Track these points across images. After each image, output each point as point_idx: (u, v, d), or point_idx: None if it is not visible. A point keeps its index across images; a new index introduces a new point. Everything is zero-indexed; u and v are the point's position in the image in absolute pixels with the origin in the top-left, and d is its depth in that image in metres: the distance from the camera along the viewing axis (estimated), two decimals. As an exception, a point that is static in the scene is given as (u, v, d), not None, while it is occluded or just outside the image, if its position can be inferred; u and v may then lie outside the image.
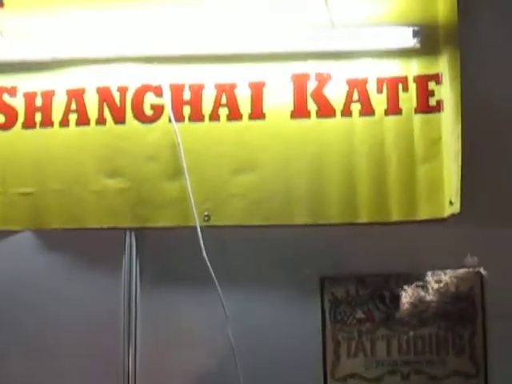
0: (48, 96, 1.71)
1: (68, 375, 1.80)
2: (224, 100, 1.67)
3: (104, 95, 1.70)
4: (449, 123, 1.58)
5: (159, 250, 1.78)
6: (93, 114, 1.69)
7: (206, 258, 1.58)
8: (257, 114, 1.66)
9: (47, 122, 1.71)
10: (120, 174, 1.69)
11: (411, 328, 1.62)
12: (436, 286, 1.63)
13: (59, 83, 1.73)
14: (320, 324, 1.67)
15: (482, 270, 1.66)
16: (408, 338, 1.64)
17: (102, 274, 1.80)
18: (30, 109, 1.72)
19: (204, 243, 1.59)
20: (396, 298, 1.63)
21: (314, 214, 1.61)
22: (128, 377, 1.75)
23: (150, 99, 1.69)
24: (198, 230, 1.58)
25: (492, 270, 1.67)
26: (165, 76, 1.71)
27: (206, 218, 1.62)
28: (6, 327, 1.81)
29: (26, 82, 1.74)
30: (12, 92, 1.73)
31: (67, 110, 1.70)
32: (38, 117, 1.71)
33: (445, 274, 1.66)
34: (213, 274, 1.59)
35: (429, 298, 1.64)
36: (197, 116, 1.68)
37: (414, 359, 1.61)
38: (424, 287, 1.65)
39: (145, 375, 1.77)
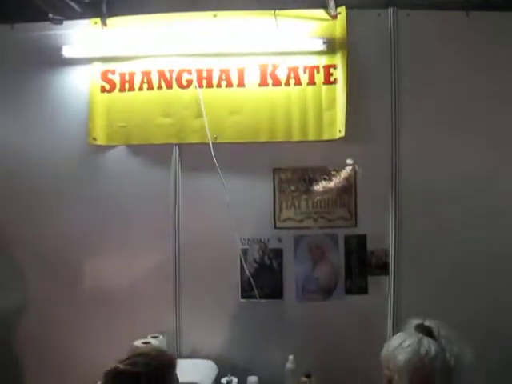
0: (131, 75, 2.56)
1: (135, 232, 2.61)
2: (224, 77, 2.52)
3: (161, 74, 2.54)
4: (340, 90, 2.46)
5: (191, 156, 2.60)
6: (155, 83, 2.53)
7: (215, 160, 2.49)
8: (240, 84, 2.51)
9: (131, 88, 2.57)
10: (170, 116, 2.55)
11: (319, 195, 2.55)
12: (333, 174, 2.54)
13: (138, 67, 2.56)
14: (272, 193, 2.57)
15: (356, 167, 2.54)
16: (317, 200, 2.55)
17: (160, 170, 2.60)
18: (123, 81, 2.57)
19: (214, 152, 2.51)
20: (311, 180, 2.55)
21: (270, 136, 2.51)
22: (175, 228, 2.58)
23: (185, 76, 2.55)
24: (211, 145, 2.49)
25: (361, 166, 2.55)
26: (192, 64, 2.54)
27: (215, 138, 2.52)
28: (104, 202, 2.63)
29: (120, 67, 2.57)
30: (113, 72, 2.58)
31: (142, 82, 2.55)
32: (126, 86, 2.57)
33: (337, 168, 2.54)
34: (218, 168, 2.49)
35: (329, 180, 2.55)
36: (209, 85, 2.53)
37: (319, 210, 2.55)
38: (327, 174, 2.54)
39: (184, 226, 2.60)
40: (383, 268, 2.56)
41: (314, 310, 2.56)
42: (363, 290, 2.57)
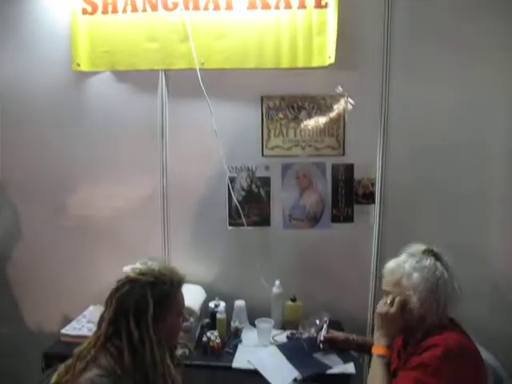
0: (115, -3, 2.46)
1: (122, 159, 2.61)
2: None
3: (146, -4, 2.45)
4: (330, 14, 2.38)
5: (178, 82, 2.55)
6: (139, 6, 2.45)
7: (202, 86, 2.46)
8: (228, 7, 2.43)
9: (114, 11, 2.47)
10: (155, 40, 2.47)
11: (307, 123, 2.54)
12: (322, 102, 2.52)
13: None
14: (260, 120, 2.56)
15: (345, 95, 2.51)
16: (305, 128, 2.54)
17: (147, 96, 2.56)
18: (105, 3, 2.48)
19: (201, 78, 2.46)
20: (300, 108, 2.52)
21: (258, 62, 2.44)
22: (162, 155, 2.58)
23: (171, -2, 2.44)
24: (198, 70, 2.44)
25: (351, 94, 2.52)
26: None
27: (202, 64, 2.46)
28: (91, 130, 2.61)
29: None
30: (95, -5, 2.47)
31: (125, 4, 2.46)
32: (109, 8, 2.48)
33: (326, 96, 2.52)
34: (205, 92, 2.46)
35: (318, 108, 2.53)
36: (196, 7, 2.44)
37: (307, 139, 2.55)
38: (316, 102, 2.53)
39: (172, 153, 2.57)
40: (369, 197, 2.60)
41: (301, 238, 2.62)
42: (349, 219, 2.62)
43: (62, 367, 1.46)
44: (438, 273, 1.56)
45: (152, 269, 1.52)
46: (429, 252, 1.63)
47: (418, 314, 1.58)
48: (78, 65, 2.55)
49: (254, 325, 2.40)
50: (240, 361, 2.18)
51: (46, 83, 2.59)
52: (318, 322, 2.40)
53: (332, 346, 2.17)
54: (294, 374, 2.06)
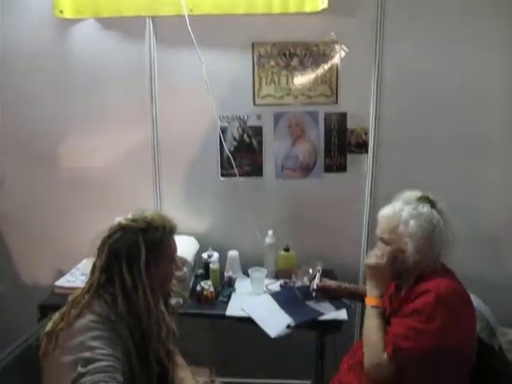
0: None
1: (111, 110, 2.55)
2: None
3: None
4: None
5: (166, 29, 2.46)
6: None
7: (191, 33, 2.39)
8: None
9: None
10: None
11: (300, 71, 2.51)
12: (314, 49, 2.46)
13: None
14: (251, 68, 2.49)
15: (339, 42, 2.47)
16: (298, 76, 2.51)
17: (134, 44, 2.50)
18: None
19: (190, 25, 2.38)
20: (292, 55, 2.47)
21: (248, 7, 2.38)
22: (152, 105, 2.54)
23: None
24: (186, 17, 2.37)
25: (344, 41, 2.45)
26: None
27: (191, 10, 2.39)
28: (78, 80, 2.54)
29: None
30: None
31: None
32: None
33: (319, 43, 2.45)
34: (194, 39, 2.39)
35: (310, 55, 2.47)
36: None
37: (299, 88, 2.51)
38: (308, 49, 2.46)
39: (161, 103, 2.55)
40: (362, 146, 2.59)
41: (293, 188, 2.62)
42: (342, 168, 2.61)
43: (56, 315, 1.46)
44: (435, 220, 1.57)
45: (144, 216, 1.51)
46: (424, 199, 1.63)
47: (413, 261, 1.59)
48: (61, 12, 2.46)
49: (247, 274, 2.42)
50: (234, 309, 2.20)
51: (29, 32, 2.52)
52: (310, 271, 2.43)
53: (325, 294, 2.19)
54: (287, 320, 2.08)
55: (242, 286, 2.42)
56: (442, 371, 1.48)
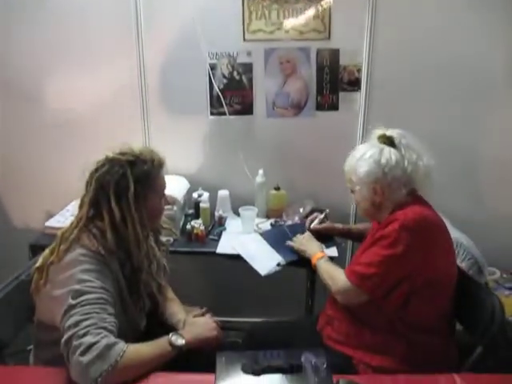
0: None
1: (97, 48, 2.50)
2: None
3: None
4: None
5: None
6: None
7: None
8: None
9: None
10: None
11: (291, 4, 2.42)
12: None
13: None
14: (241, 5, 2.43)
15: None
16: (289, 10, 2.44)
17: None
18: None
19: None
20: None
21: None
22: (138, 43, 2.48)
23: None
24: None
25: None
26: None
27: None
28: (60, 16, 2.46)
29: None
30: None
31: None
32: None
33: None
34: None
35: None
36: None
37: (291, 22, 2.45)
38: None
39: (148, 41, 2.48)
40: (355, 84, 2.55)
41: (285, 126, 2.61)
42: (334, 106, 2.58)
43: (46, 251, 1.48)
44: (384, 160, 1.59)
45: (132, 149, 1.50)
46: (383, 137, 1.66)
47: (376, 202, 1.65)
48: None
49: (237, 214, 2.43)
50: (224, 246, 2.22)
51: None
52: (301, 210, 2.47)
53: (318, 236, 2.18)
54: (278, 259, 2.10)
55: (233, 225, 2.44)
56: (416, 296, 1.53)
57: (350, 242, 2.46)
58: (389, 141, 1.64)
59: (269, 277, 2.04)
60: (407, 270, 1.52)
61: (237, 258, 2.15)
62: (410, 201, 1.61)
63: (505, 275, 2.50)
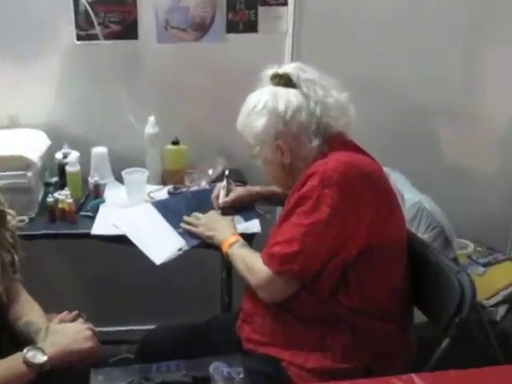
0: None
1: None
2: None
3: None
4: None
5: None
6: None
7: None
8: None
9: None
10: None
11: None
12: None
13: None
14: None
15: None
16: None
17: None
18: None
19: None
20: None
21: None
22: None
23: None
24: None
25: None
26: None
27: None
28: None
29: None
30: None
31: None
32: None
33: None
34: None
35: None
36: None
37: None
38: None
39: None
40: (280, -5, 2.58)
41: (183, 55, 2.61)
42: (252, 27, 2.59)
43: None
44: (281, 106, 1.66)
45: None
46: (275, 78, 1.73)
47: (286, 165, 1.74)
48: None
49: (121, 180, 2.42)
50: (102, 226, 2.20)
51: None
52: (210, 171, 2.49)
53: (234, 208, 2.25)
54: (178, 241, 2.12)
55: (114, 195, 2.43)
56: (355, 270, 1.61)
57: (278, 210, 2.43)
58: (285, 80, 1.70)
59: (168, 266, 2.05)
60: (340, 238, 1.57)
61: (121, 240, 2.14)
62: (330, 150, 1.67)
63: (479, 248, 2.62)
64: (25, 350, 1.40)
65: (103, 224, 2.23)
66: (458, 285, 1.59)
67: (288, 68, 1.72)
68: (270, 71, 1.74)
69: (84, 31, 2.53)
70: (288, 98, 1.66)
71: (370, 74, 2.63)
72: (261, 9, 2.60)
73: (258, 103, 1.70)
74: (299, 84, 1.68)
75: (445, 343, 1.56)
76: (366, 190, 1.59)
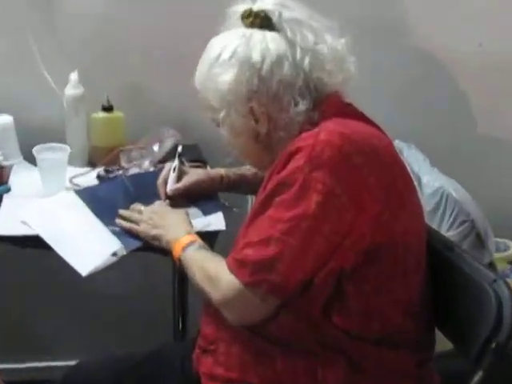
0: None
1: None
2: None
3: None
4: None
5: None
6: None
7: None
8: None
9: None
10: None
11: None
12: None
13: None
14: None
15: None
16: None
17: None
18: None
19: None
20: None
21: None
22: None
23: None
24: None
25: None
26: None
27: None
28: None
29: None
30: None
31: None
32: None
33: None
34: None
35: None
36: None
37: None
38: None
39: None
40: None
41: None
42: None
43: None
44: (256, 55, 1.59)
45: None
46: (248, 17, 1.65)
47: (262, 135, 1.67)
48: None
49: (33, 161, 2.38)
50: (7, 223, 2.13)
51: None
52: (156, 148, 2.46)
53: (189, 197, 2.21)
54: (113, 243, 2.05)
55: (24, 181, 2.38)
56: (353, 280, 1.53)
57: (250, 199, 2.46)
58: (261, 20, 1.61)
59: (99, 277, 1.99)
60: (334, 237, 1.46)
61: (34, 243, 2.08)
62: (321, 117, 1.58)
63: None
64: None
65: (9, 221, 2.15)
66: (495, 298, 1.51)
67: (266, 3, 1.63)
68: (241, 7, 1.64)
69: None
70: (265, 44, 1.58)
71: (375, 13, 2.64)
72: None
73: (223, 51, 1.62)
74: (281, 26, 1.60)
75: (477, 377, 1.47)
76: (370, 172, 1.49)
